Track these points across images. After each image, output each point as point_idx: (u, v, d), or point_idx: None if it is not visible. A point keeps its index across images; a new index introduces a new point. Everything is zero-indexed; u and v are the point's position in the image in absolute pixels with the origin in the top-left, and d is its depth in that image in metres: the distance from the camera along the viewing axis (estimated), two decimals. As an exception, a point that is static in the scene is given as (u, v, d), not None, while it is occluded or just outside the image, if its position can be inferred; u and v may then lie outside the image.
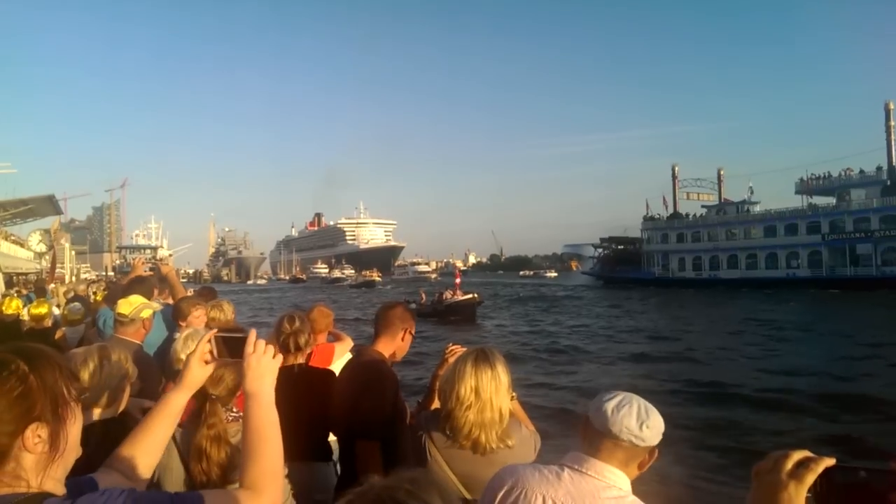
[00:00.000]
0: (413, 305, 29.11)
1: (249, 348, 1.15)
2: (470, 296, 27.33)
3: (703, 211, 56.90)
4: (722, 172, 60.28)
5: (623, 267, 59.87)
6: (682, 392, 10.59)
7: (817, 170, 48.30)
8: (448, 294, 27.80)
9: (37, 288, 13.97)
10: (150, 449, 1.17)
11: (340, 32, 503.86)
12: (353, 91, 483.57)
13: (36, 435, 0.85)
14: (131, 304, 2.80)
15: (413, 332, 2.46)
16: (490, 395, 1.89)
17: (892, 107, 45.11)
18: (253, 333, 1.18)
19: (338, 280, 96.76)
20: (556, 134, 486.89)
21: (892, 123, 44.99)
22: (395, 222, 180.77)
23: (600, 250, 66.89)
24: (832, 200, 47.29)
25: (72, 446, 0.92)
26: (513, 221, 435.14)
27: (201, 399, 1.62)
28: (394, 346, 2.40)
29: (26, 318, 5.78)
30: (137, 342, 2.73)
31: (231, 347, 1.22)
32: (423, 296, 30.69)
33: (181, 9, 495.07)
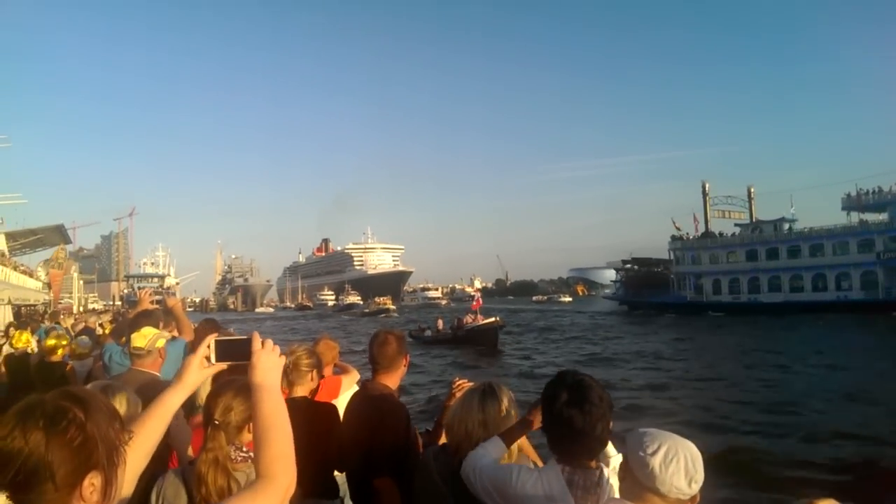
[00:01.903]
0: (428, 333, 29.18)
1: (257, 345, 1.26)
2: (492, 319, 26.45)
3: (737, 230, 54.95)
4: (752, 190, 58.31)
5: (649, 290, 57.58)
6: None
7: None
8: (468, 319, 27.16)
9: (52, 314, 14.51)
10: (142, 445, 1.22)
11: (346, 57, 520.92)
12: (359, 116, 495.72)
13: (91, 483, 0.87)
14: (145, 337, 2.91)
15: (408, 357, 2.61)
16: (498, 428, 1.95)
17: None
18: (256, 335, 1.29)
19: (350, 307, 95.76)
20: (559, 159, 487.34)
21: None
22: (402, 247, 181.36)
23: (621, 273, 64.32)
24: (881, 216, 44.92)
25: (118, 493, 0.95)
26: (517, 246, 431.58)
27: (206, 423, 1.70)
28: (398, 377, 2.50)
29: (34, 350, 6.00)
30: (155, 373, 2.84)
31: (231, 351, 1.32)
32: (441, 323, 30.23)
33: (187, 34, 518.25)
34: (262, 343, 1.27)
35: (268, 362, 1.25)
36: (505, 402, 2.03)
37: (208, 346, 1.33)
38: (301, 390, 2.56)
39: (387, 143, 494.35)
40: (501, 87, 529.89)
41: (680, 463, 1.32)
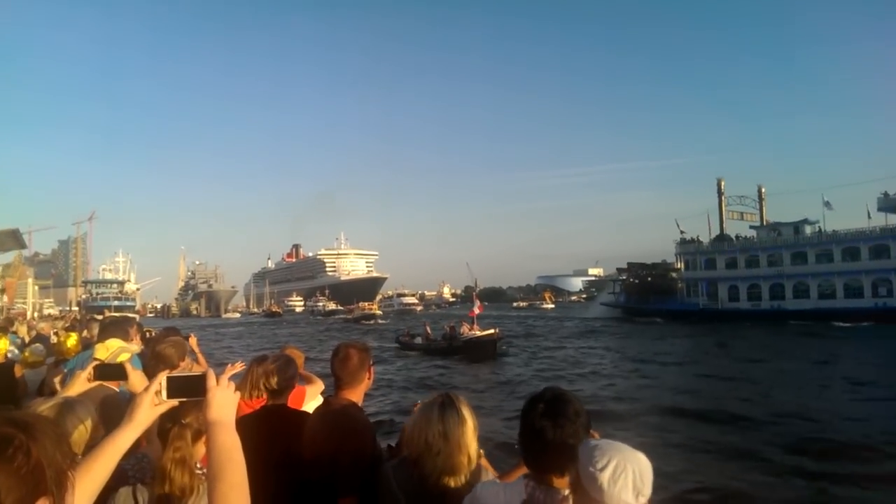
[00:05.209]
0: (418, 340, 28.03)
1: (212, 382, 1.25)
2: (490, 331, 25.40)
3: (753, 233, 50.72)
4: (763, 190, 54.50)
5: (655, 297, 53.46)
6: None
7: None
8: (465, 328, 25.89)
9: (4, 320, 13.68)
10: (88, 486, 1.19)
11: (327, 63, 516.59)
12: (329, 123, 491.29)
13: None
14: (108, 349, 2.80)
15: (373, 367, 2.57)
16: (458, 438, 1.99)
17: None
18: (210, 371, 1.28)
19: (332, 313, 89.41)
20: (527, 168, 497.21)
21: None
22: (376, 253, 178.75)
23: (620, 280, 61.27)
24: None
25: None
26: (484, 253, 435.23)
27: (170, 423, 1.68)
28: (362, 390, 2.47)
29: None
30: (114, 388, 2.70)
31: (184, 388, 1.29)
32: (429, 330, 29.12)
33: (156, 33, 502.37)
34: (217, 379, 1.26)
35: (223, 399, 1.24)
36: (464, 412, 2.06)
37: (160, 383, 1.28)
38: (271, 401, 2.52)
39: (356, 151, 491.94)
40: (488, 104, 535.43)
41: (628, 478, 1.35)
